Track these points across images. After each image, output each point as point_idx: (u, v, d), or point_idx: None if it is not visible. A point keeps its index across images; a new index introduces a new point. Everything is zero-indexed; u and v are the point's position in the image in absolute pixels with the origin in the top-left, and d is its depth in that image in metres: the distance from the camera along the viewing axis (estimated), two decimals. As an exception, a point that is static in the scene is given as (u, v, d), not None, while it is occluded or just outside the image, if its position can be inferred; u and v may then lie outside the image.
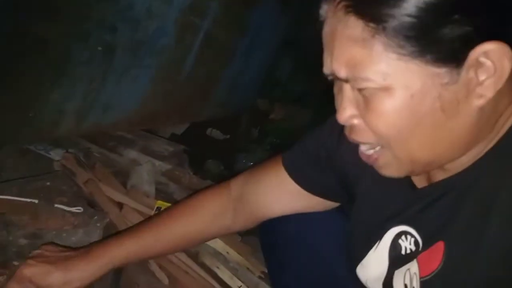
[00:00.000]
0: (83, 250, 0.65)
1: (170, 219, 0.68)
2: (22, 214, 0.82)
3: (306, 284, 0.69)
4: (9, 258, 0.81)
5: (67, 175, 1.04)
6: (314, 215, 0.68)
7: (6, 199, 0.82)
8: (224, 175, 1.61)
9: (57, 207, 0.87)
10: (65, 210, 0.87)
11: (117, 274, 0.83)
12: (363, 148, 0.46)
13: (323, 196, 0.66)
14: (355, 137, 0.45)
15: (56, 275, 0.58)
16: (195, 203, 0.70)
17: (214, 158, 1.71)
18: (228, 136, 1.85)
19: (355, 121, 0.43)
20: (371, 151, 0.45)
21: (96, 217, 0.92)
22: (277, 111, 2.03)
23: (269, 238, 0.74)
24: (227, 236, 1.14)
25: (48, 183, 0.95)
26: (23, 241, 0.83)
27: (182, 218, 0.68)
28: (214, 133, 1.83)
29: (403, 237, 0.51)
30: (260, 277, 1.07)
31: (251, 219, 0.71)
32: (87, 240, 0.91)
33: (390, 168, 0.45)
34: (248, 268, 1.08)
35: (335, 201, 0.67)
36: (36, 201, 0.84)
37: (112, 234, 0.81)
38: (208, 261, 1.07)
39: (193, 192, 1.30)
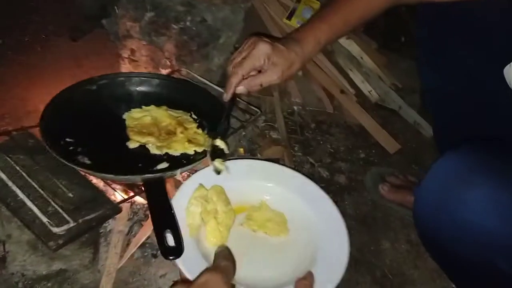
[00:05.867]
0: (291, 36, 0.65)
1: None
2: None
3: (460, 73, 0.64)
4: (169, 20, 0.88)
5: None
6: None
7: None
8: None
9: (209, -21, 0.87)
10: (216, -17, 0.87)
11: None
12: None
13: None
14: None
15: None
16: None
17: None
18: None
19: None
20: None
21: (242, -3, 0.92)
22: None
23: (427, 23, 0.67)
24: (364, 43, 1.09)
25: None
26: (180, 8, 0.88)
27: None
28: None
29: None
30: (390, 88, 1.05)
31: None
32: (233, 18, 0.93)
33: None
34: (379, 77, 1.06)
35: None
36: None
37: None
38: (342, 62, 1.06)
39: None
